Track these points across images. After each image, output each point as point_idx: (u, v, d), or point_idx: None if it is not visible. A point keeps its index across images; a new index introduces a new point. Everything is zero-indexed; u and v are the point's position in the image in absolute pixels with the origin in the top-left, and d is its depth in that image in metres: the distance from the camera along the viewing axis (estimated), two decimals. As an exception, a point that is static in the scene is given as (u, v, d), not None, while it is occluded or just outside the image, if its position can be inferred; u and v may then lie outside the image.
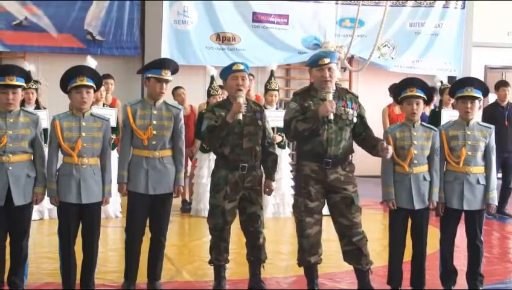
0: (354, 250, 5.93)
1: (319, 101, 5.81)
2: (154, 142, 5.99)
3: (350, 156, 6.09)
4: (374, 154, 5.96)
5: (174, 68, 6.21)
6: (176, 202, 8.30)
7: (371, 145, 5.97)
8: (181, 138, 6.16)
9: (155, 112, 6.05)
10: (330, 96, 5.74)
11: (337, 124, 5.82)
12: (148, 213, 6.09)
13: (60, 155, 5.86)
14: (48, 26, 13.93)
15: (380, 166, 6.16)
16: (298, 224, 5.98)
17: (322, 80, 5.85)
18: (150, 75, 6.06)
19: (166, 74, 6.05)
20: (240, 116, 5.88)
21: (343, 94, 6.04)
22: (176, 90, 10.60)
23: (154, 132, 5.98)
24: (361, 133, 6.06)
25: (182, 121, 6.20)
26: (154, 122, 6.01)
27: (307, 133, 5.77)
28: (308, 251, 5.94)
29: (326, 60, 5.85)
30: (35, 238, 6.27)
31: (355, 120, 5.96)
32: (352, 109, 5.95)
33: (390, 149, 5.78)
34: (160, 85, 6.02)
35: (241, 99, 5.93)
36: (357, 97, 6.13)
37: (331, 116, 5.70)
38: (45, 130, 6.89)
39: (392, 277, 6.14)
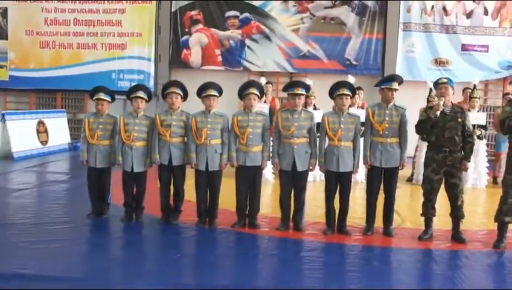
0: None
1: None
2: (387, 132, 6.03)
3: None
4: None
5: (400, 80, 6.17)
6: (404, 174, 8.17)
7: None
8: (405, 129, 6.07)
9: (387, 112, 6.05)
10: None
11: None
12: (382, 180, 6.16)
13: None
14: (322, 55, 14.34)
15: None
16: (504, 194, 5.71)
17: None
18: (383, 87, 6.08)
19: (395, 85, 6.02)
20: (438, 113, 5.82)
21: None
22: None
23: (387, 125, 6.00)
24: None
25: (407, 117, 6.10)
26: (387, 118, 6.03)
27: None
28: (504, 213, 5.69)
29: None
30: (310, 192, 6.53)
31: None
32: None
33: None
34: (391, 92, 6.03)
35: (441, 102, 5.82)
36: None
37: None
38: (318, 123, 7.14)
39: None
